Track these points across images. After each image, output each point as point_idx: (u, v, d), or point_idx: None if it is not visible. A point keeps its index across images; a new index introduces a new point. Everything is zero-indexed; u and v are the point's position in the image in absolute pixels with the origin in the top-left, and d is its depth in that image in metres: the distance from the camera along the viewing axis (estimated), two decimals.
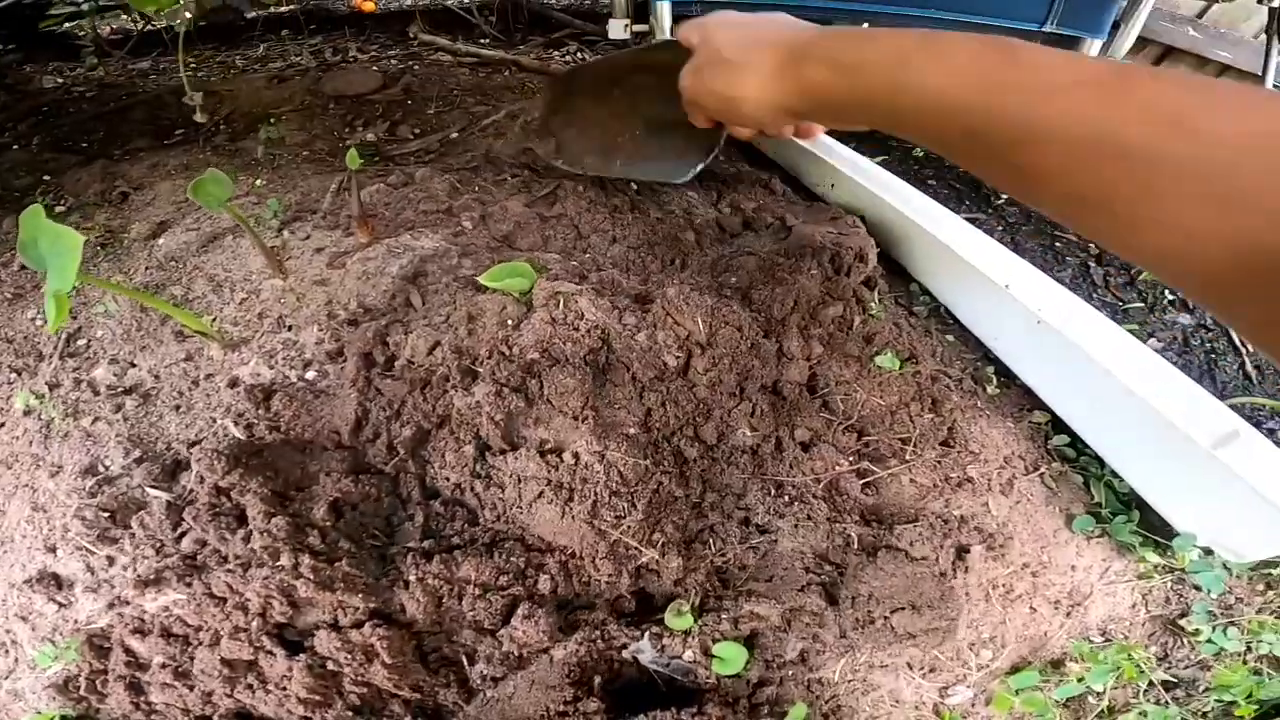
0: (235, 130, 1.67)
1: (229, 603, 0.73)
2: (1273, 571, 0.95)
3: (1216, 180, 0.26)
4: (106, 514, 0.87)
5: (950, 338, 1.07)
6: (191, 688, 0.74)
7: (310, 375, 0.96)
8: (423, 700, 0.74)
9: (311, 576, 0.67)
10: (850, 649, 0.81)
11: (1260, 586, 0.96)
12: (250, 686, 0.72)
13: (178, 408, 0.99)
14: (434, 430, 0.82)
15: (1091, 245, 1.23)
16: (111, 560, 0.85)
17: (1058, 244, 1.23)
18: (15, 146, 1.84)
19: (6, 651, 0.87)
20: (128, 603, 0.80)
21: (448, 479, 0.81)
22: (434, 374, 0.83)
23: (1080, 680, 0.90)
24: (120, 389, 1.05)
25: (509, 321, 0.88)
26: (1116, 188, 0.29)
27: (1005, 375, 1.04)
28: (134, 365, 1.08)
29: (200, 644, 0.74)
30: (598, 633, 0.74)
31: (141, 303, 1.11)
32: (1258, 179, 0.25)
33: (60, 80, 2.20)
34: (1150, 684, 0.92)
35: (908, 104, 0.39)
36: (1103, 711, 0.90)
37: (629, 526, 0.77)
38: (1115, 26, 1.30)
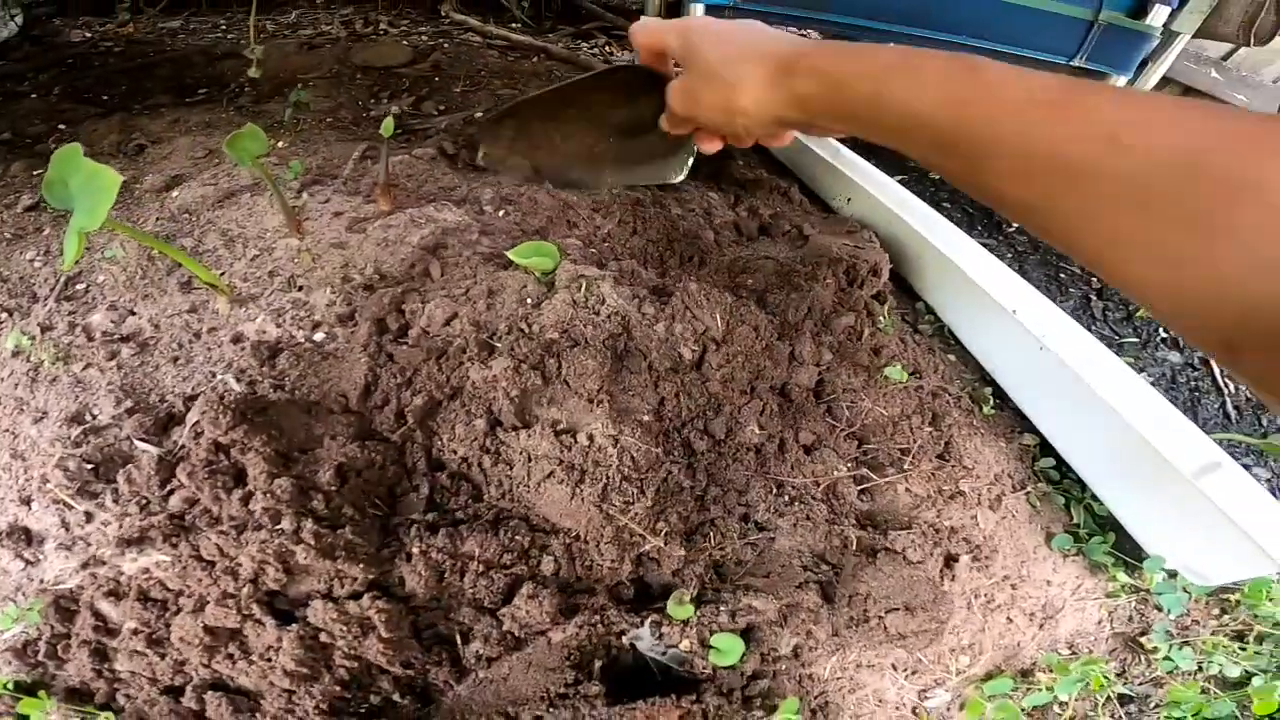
0: (261, 93, 1.57)
1: (218, 566, 0.66)
2: (1229, 597, 0.94)
3: (1139, 191, 0.27)
4: (90, 466, 0.78)
5: (952, 357, 1.04)
6: (163, 656, 0.66)
7: (318, 337, 0.88)
8: (412, 678, 0.67)
9: (313, 542, 0.60)
10: (841, 647, 0.77)
11: (1216, 611, 0.95)
12: (230, 656, 0.64)
13: (176, 359, 0.91)
14: (445, 401, 0.76)
15: (1094, 278, 1.21)
16: (90, 516, 0.76)
17: (1062, 274, 1.20)
18: (33, 95, 1.72)
19: None
20: (104, 563, 0.71)
21: (455, 452, 0.74)
22: (450, 345, 0.77)
23: (1049, 690, 0.87)
24: (117, 336, 0.96)
25: (529, 300, 0.82)
26: (1061, 200, 0.30)
27: (1001, 397, 1.01)
28: (134, 313, 0.98)
29: (181, 610, 0.66)
30: (597, 617, 0.68)
31: (149, 252, 1.02)
32: (1173, 190, 0.25)
33: (89, 34, 2.07)
34: (1108, 698, 0.90)
35: (887, 117, 0.40)
36: None
37: (637, 513, 0.71)
38: (1143, 64, 1.28)
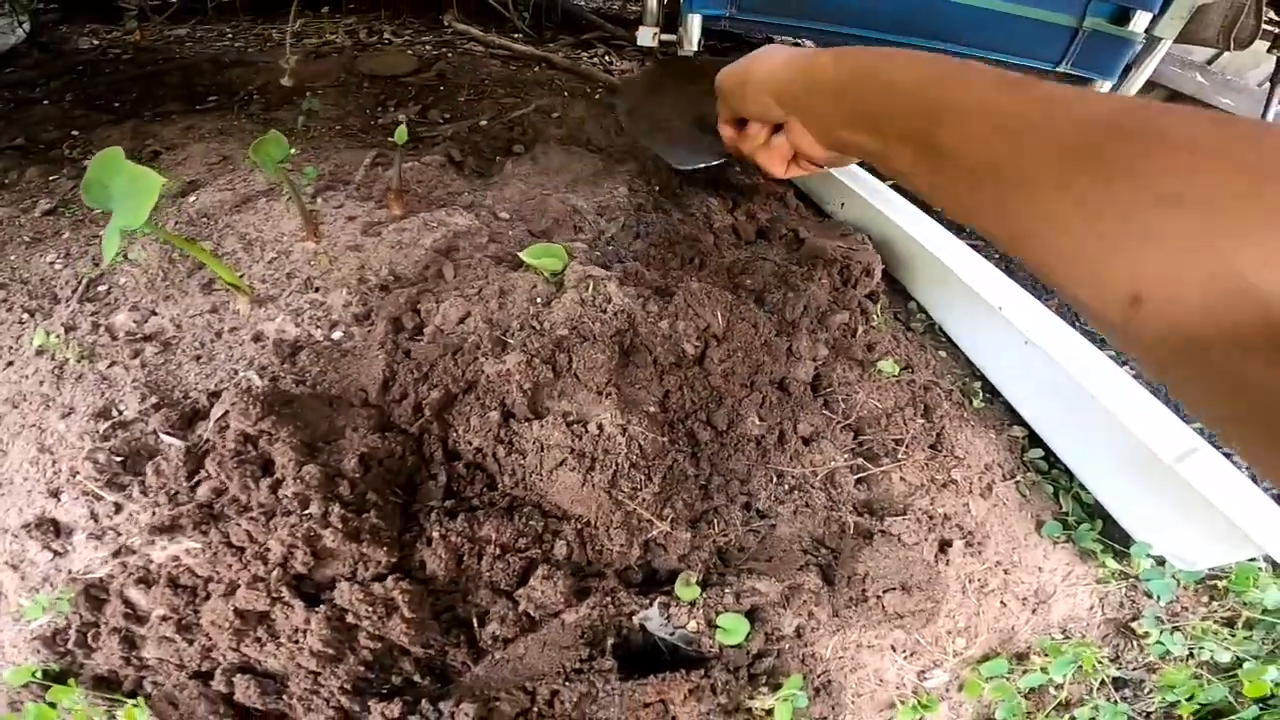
0: (270, 101, 1.60)
1: (248, 552, 0.68)
2: (1217, 584, 0.97)
3: (1068, 146, 0.30)
4: (118, 459, 0.80)
5: (943, 354, 1.08)
6: (191, 641, 0.68)
7: (336, 335, 0.91)
8: (432, 658, 0.70)
9: (340, 526, 0.63)
10: (842, 627, 0.80)
11: (1205, 598, 0.98)
12: (259, 640, 0.66)
13: (198, 358, 0.94)
14: (461, 395, 0.79)
15: None
16: (119, 507, 0.78)
17: None
18: (46, 102, 1.74)
19: None
20: (133, 551, 0.73)
21: (470, 442, 0.77)
22: (465, 341, 0.80)
23: (1044, 671, 0.90)
24: (140, 335, 0.98)
25: (539, 299, 0.85)
26: (1002, 156, 0.33)
27: (990, 391, 1.05)
28: (155, 314, 1.01)
29: (210, 595, 0.68)
30: (608, 599, 0.71)
31: (170, 255, 1.05)
32: (1094, 144, 0.29)
33: (96, 42, 2.09)
34: (1102, 682, 0.93)
35: (872, 91, 0.45)
36: (1061, 704, 0.91)
37: (645, 499, 0.74)
38: (1127, 70, 1.31)
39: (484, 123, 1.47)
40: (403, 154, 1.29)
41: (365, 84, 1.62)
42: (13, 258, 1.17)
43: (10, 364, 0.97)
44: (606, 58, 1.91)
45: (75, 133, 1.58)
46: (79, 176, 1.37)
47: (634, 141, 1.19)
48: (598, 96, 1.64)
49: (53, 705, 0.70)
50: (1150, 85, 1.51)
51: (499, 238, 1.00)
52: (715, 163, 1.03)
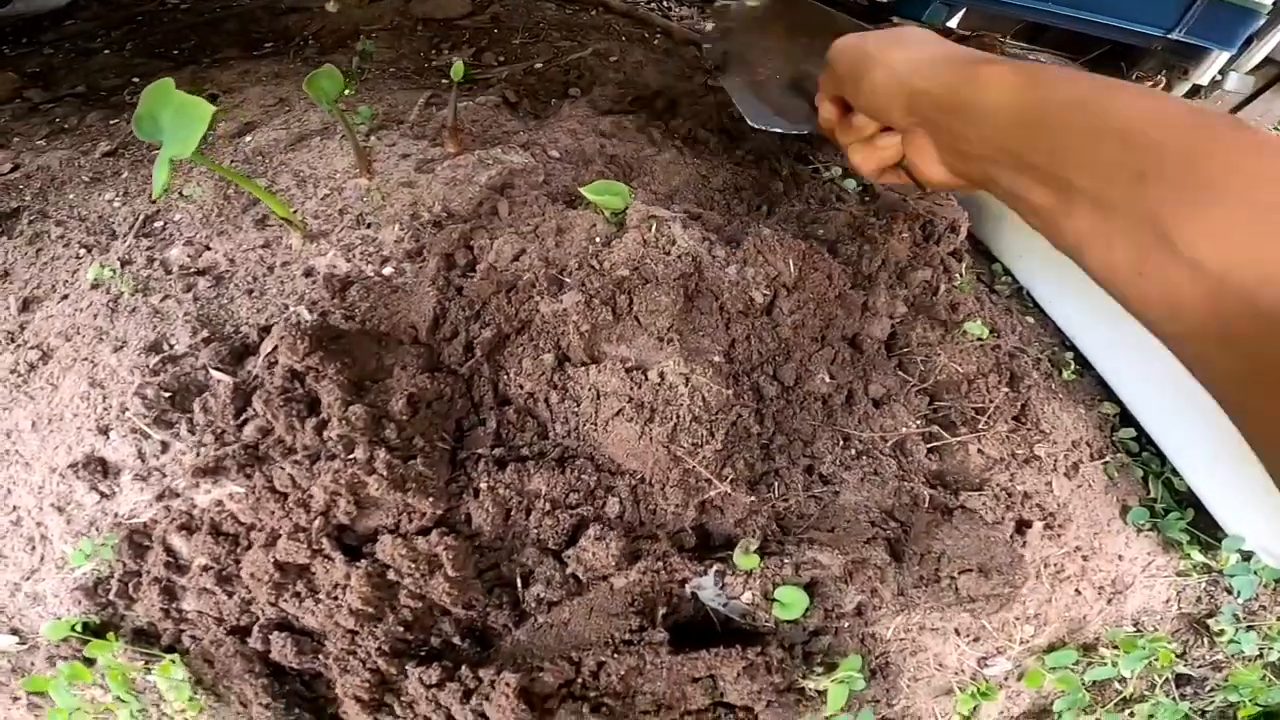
0: (324, 45, 1.55)
1: (290, 498, 0.63)
2: None
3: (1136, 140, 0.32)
4: (167, 394, 0.76)
5: (1030, 319, 0.97)
6: (231, 594, 0.64)
7: (387, 271, 0.86)
8: (472, 620, 0.65)
9: (385, 473, 0.58)
10: (906, 608, 0.72)
11: None
12: (298, 595, 0.62)
13: (250, 292, 0.90)
14: (513, 335, 0.73)
15: None
16: (166, 446, 0.74)
17: None
18: (106, 51, 1.73)
19: (33, 548, 0.74)
20: (177, 495, 0.69)
21: (522, 386, 0.71)
22: (520, 278, 0.73)
23: (1114, 665, 0.82)
24: (193, 270, 0.95)
25: (598, 238, 0.78)
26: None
27: (1081, 363, 0.94)
28: (209, 249, 0.98)
29: (251, 544, 0.64)
30: (660, 563, 0.65)
31: (225, 191, 1.01)
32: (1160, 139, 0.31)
33: None
34: (1165, 679, 0.85)
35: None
36: (1124, 699, 0.83)
37: (705, 456, 0.67)
38: (1247, 42, 1.16)
39: (539, 65, 1.38)
40: (458, 92, 1.23)
41: (418, 27, 1.55)
42: (71, 196, 1.15)
43: (65, 297, 0.95)
44: (664, 3, 1.78)
45: (135, 79, 1.56)
46: None
47: (712, 80, 1.04)
48: (656, 42, 1.53)
49: (90, 662, 0.67)
50: (1266, 61, 1.33)
51: (555, 177, 0.93)
52: (795, 132, 0.91)
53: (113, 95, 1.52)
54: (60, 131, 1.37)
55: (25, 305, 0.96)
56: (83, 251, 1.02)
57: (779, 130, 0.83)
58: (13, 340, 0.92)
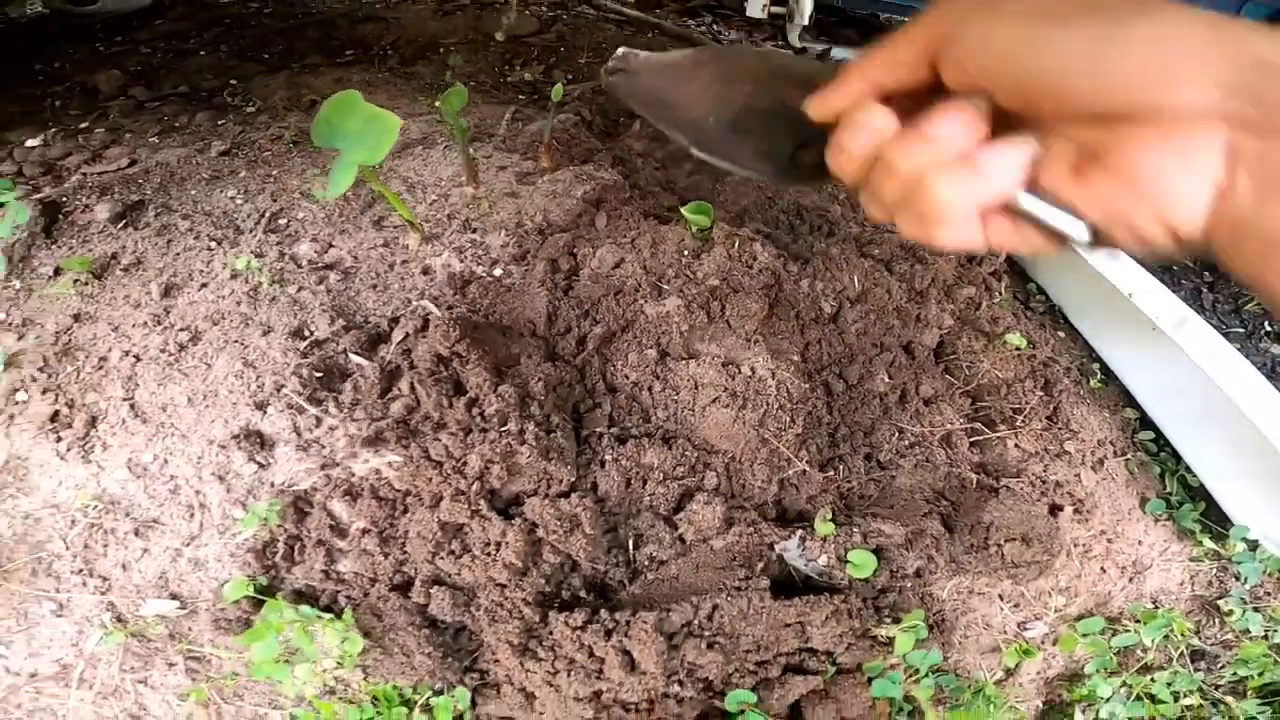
0: (404, 56, 1.65)
1: (446, 466, 0.70)
2: None
3: None
4: (318, 375, 0.84)
5: (1061, 334, 1.07)
6: (387, 555, 0.69)
7: (497, 272, 0.97)
8: (595, 575, 0.74)
9: (535, 443, 0.68)
10: (958, 572, 0.83)
11: None
12: (453, 553, 0.68)
13: (375, 286, 1.01)
14: (619, 332, 0.84)
15: (1206, 271, 1.21)
16: (319, 421, 0.79)
17: (1174, 265, 1.20)
18: (202, 53, 1.82)
19: (192, 515, 0.77)
20: (336, 464, 0.74)
21: (627, 377, 0.82)
22: (624, 284, 0.84)
23: (1135, 633, 0.92)
24: (321, 264, 1.06)
25: (687, 251, 0.88)
26: None
27: (1106, 373, 1.04)
28: (333, 246, 1.09)
29: (407, 509, 0.69)
30: (751, 529, 0.75)
31: (345, 192, 1.12)
32: None
33: None
34: (1182, 652, 0.94)
35: None
36: (1145, 665, 0.92)
37: (788, 439, 0.78)
38: None
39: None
40: (532, 113, 1.33)
41: (491, 43, 1.65)
42: (193, 193, 1.26)
43: (205, 285, 1.05)
44: (714, 25, 1.88)
45: (233, 81, 1.66)
46: (245, 123, 1.45)
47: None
48: None
49: (248, 624, 0.68)
50: None
51: (643, 192, 1.03)
52: (743, 174, 0.93)
53: (214, 96, 1.61)
54: (171, 130, 1.46)
55: (166, 291, 1.05)
56: (213, 244, 1.12)
57: (726, 166, 0.86)
58: (159, 323, 1.01)
